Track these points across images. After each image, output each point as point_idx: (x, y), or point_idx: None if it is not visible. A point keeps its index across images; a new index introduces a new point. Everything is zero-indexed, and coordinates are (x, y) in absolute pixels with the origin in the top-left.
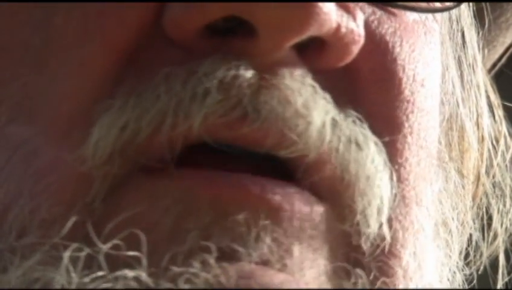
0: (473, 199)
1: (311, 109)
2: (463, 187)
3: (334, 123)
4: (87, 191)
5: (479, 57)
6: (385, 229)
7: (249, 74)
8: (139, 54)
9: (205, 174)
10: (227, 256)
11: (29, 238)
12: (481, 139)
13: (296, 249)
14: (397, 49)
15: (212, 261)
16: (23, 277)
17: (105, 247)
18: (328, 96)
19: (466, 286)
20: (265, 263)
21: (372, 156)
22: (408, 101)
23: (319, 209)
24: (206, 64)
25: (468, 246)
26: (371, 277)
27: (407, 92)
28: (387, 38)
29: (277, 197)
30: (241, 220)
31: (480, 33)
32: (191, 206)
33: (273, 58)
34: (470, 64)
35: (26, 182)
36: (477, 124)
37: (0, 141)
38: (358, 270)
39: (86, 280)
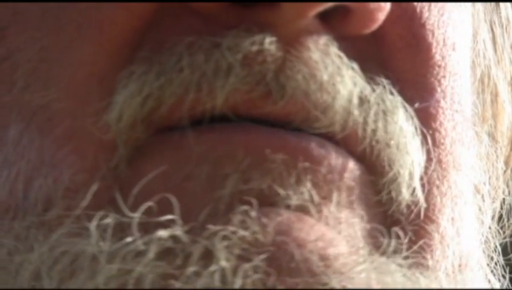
0: (506, 162)
1: (337, 83)
2: (495, 151)
3: (362, 95)
4: (111, 157)
5: None
6: (419, 194)
7: (273, 47)
8: (160, 20)
9: (237, 127)
10: (267, 201)
11: (55, 211)
12: None
13: (335, 197)
14: (425, 14)
15: (254, 213)
16: (50, 252)
17: (136, 215)
18: (355, 65)
19: (499, 250)
20: (303, 209)
21: (400, 124)
22: (439, 66)
23: (355, 164)
24: (230, 37)
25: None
26: (408, 240)
27: (437, 57)
28: (415, 3)
29: (313, 145)
30: (280, 162)
31: None
32: (226, 153)
33: (297, 28)
34: (502, 25)
35: (47, 151)
36: (511, 86)
37: (17, 107)
38: (396, 229)
39: (117, 246)
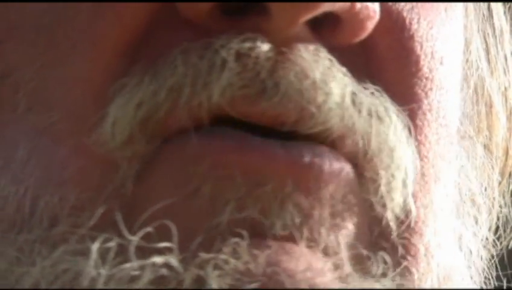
0: (502, 173)
1: (330, 81)
2: (490, 162)
3: (354, 95)
4: (115, 175)
5: (506, 28)
6: (411, 202)
7: (265, 46)
8: (153, 33)
9: (235, 138)
10: (257, 230)
11: (60, 228)
12: (509, 112)
13: (316, 213)
14: (415, 26)
15: (244, 244)
16: (51, 268)
17: (135, 238)
18: (345, 70)
19: (496, 262)
20: (288, 238)
21: (394, 128)
22: (427, 78)
23: (348, 168)
24: (222, 38)
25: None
26: (396, 256)
27: (425, 70)
28: (405, 14)
29: (306, 156)
30: (269, 190)
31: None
32: (226, 175)
33: (288, 35)
34: (496, 35)
35: (54, 170)
36: (505, 97)
37: (23, 127)
38: (382, 253)
39: (115, 270)
